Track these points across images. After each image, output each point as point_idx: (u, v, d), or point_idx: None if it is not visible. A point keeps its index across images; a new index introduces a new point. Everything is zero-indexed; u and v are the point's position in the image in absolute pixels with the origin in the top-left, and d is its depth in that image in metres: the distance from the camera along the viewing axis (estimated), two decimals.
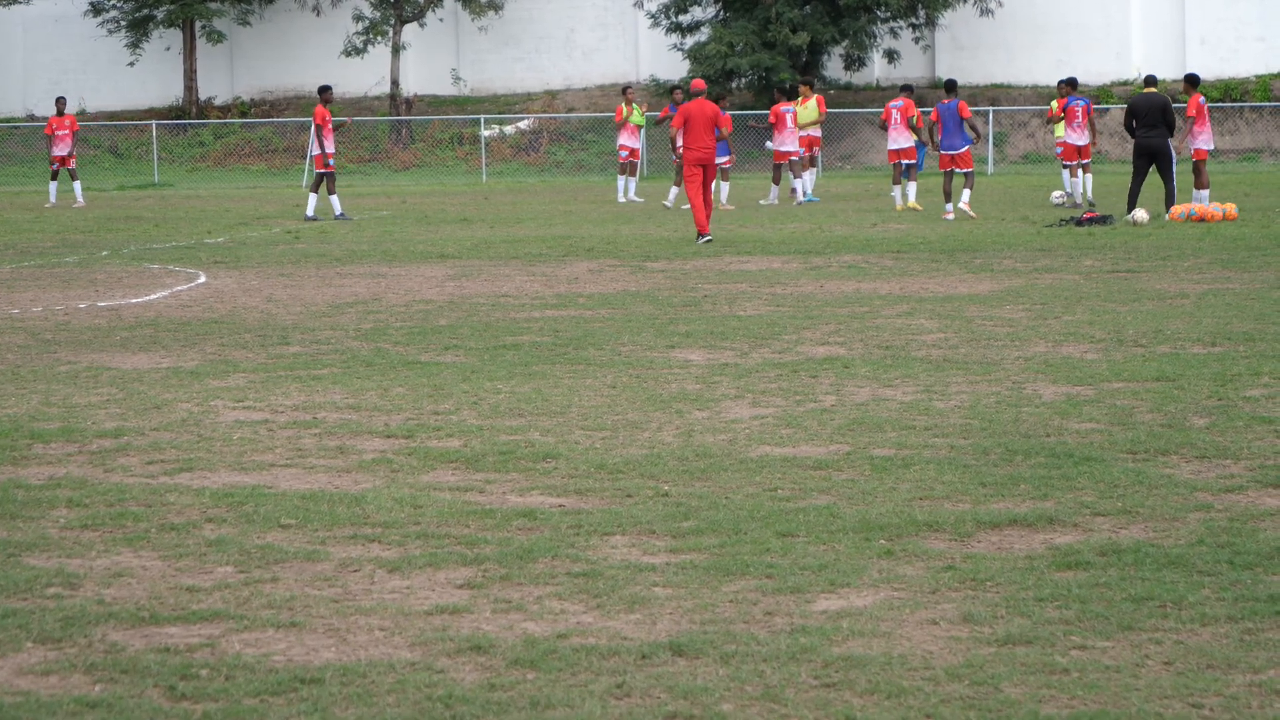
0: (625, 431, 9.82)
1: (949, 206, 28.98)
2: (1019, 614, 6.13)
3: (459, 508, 7.96)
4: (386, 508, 7.97)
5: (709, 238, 24.22)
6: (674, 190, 34.27)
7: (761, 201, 34.98)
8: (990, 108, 49.91)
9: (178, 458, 9.26)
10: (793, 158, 34.61)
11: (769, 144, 35.47)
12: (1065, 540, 7.17)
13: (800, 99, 35.69)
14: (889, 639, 5.88)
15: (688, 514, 7.74)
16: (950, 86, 29.80)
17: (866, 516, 7.60)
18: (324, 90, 32.44)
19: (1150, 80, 28.71)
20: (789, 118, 34.41)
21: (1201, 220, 25.94)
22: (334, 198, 31.69)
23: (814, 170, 36.17)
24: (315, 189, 31.83)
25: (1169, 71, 48.48)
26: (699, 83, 25.51)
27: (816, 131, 35.75)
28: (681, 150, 24.76)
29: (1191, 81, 29.19)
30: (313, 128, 31.69)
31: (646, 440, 9.54)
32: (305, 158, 51.01)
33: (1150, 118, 26.76)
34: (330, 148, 31.55)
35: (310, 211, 31.41)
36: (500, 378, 11.94)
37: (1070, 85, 31.31)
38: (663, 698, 5.36)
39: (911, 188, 31.57)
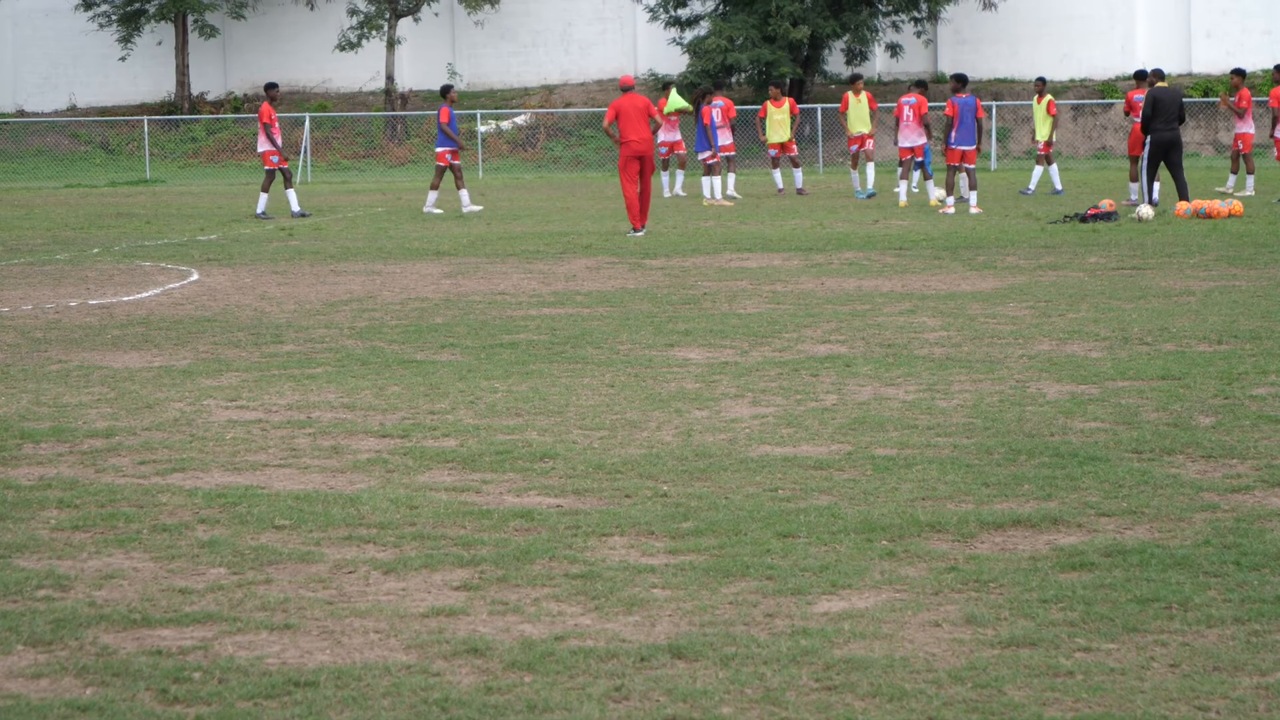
0: (624, 431, 9.75)
1: (950, 200, 28.98)
2: (1022, 616, 6.06)
3: (455, 508, 7.89)
4: (382, 508, 7.90)
5: (640, 232, 24.53)
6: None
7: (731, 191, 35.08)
8: (993, 102, 49.87)
9: (170, 458, 9.19)
10: (727, 152, 35.26)
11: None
12: (1069, 541, 7.10)
13: (771, 99, 35.93)
14: (891, 641, 5.82)
15: (687, 514, 7.67)
16: (962, 80, 29.85)
17: (868, 517, 7.54)
18: (270, 87, 32.17)
19: (1159, 74, 29.04)
20: (716, 113, 34.81)
21: (1208, 216, 25.91)
22: (265, 195, 31.31)
23: (870, 166, 35.97)
24: (289, 185, 31.58)
25: (1174, 65, 48.45)
26: (627, 79, 26.12)
27: (866, 129, 35.56)
28: (620, 144, 25.05)
29: (1239, 74, 32.13)
30: (260, 125, 30.92)
31: (645, 440, 9.47)
32: (297, 154, 50.94)
33: (1172, 111, 26.90)
34: (279, 142, 30.95)
35: (296, 208, 31.29)
36: (497, 376, 11.87)
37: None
38: (662, 700, 5.30)
39: (929, 184, 31.57)
